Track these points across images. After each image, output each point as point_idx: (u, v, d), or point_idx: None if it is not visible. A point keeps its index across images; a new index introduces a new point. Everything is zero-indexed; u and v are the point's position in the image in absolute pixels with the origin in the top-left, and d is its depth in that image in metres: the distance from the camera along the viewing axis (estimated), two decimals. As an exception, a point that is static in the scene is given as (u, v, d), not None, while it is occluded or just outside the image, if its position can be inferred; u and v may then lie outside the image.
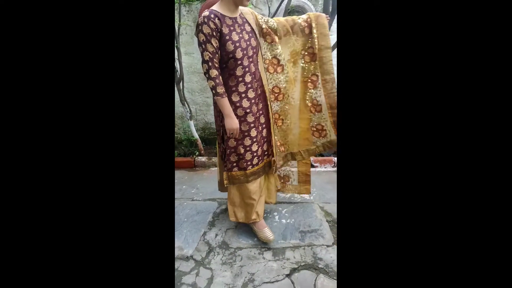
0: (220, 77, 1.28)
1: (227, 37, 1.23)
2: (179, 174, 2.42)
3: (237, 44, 1.25)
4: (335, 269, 1.37)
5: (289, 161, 1.67)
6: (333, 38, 2.55)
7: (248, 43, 1.29)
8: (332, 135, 1.58)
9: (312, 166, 2.42)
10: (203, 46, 1.22)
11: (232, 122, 1.32)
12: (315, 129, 1.59)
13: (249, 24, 1.34)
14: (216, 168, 2.44)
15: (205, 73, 1.26)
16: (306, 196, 1.97)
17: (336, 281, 1.30)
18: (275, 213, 1.79)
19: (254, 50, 1.33)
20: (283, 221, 1.73)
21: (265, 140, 1.50)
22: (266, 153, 1.53)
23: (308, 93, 1.54)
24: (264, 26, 1.42)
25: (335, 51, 2.56)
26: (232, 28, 1.25)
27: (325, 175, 2.29)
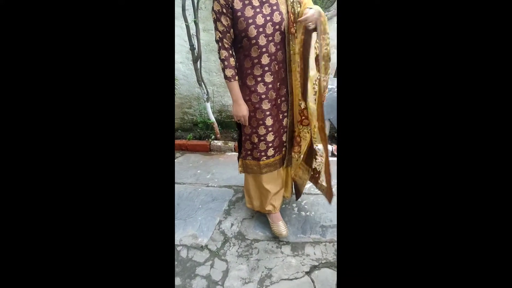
0: (231, 58, 1.15)
1: (239, 13, 1.08)
2: (193, 158, 2.35)
3: (250, 21, 1.08)
4: (359, 269, 1.28)
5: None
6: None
7: (268, 18, 1.10)
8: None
9: (334, 155, 2.29)
10: (215, 25, 1.11)
11: (239, 109, 1.21)
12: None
13: None
14: (232, 153, 2.36)
15: (218, 53, 1.16)
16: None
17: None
18: (294, 204, 1.70)
19: (277, 27, 1.13)
20: (303, 213, 1.63)
21: (285, 130, 1.36)
22: (285, 144, 1.40)
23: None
24: (295, 8, 1.14)
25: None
26: (247, 1, 1.09)
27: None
